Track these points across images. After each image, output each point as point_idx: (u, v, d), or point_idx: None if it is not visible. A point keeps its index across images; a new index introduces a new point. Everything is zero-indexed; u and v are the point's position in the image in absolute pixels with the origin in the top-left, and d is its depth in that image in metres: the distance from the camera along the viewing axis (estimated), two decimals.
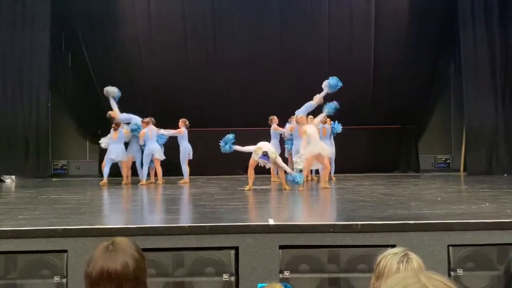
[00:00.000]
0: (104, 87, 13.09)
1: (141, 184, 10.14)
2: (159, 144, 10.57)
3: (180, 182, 10.46)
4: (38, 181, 11.26)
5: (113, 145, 10.20)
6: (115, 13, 12.91)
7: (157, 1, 12.95)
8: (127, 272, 1.79)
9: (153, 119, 10.56)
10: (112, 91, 11.03)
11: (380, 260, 1.85)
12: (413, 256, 1.84)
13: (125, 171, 10.34)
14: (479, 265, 4.53)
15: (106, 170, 10.23)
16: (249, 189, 8.60)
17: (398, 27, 12.96)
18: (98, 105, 13.03)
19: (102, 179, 10.15)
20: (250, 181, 8.72)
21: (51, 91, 12.68)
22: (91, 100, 13.10)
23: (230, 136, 8.95)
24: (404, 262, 1.80)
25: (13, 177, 11.77)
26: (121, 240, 1.90)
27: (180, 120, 10.62)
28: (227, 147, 8.87)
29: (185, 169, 10.60)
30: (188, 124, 10.65)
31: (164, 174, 10.63)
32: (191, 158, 10.71)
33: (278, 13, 12.94)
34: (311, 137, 8.66)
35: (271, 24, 12.90)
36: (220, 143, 8.98)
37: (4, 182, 11.54)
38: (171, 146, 10.97)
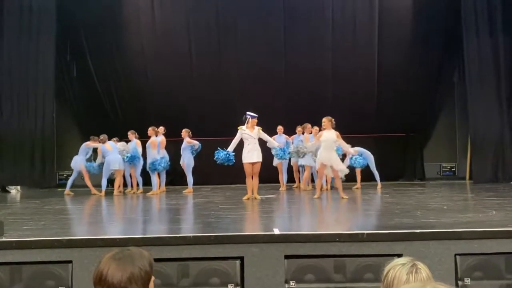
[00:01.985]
0: (109, 95, 13.19)
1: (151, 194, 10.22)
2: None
3: (184, 191, 10.46)
4: (43, 192, 11.29)
5: (111, 156, 10.28)
6: (120, 23, 13.01)
7: (161, 11, 13.04)
8: (115, 282, 1.77)
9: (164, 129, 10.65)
10: None
11: (389, 271, 1.82)
12: (421, 266, 1.81)
13: (119, 180, 10.44)
14: (487, 274, 4.48)
15: (104, 181, 10.36)
16: (248, 198, 8.54)
17: (402, 35, 12.97)
18: (103, 115, 13.10)
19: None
20: (249, 190, 8.66)
21: (56, 101, 12.75)
22: (96, 110, 13.16)
23: (224, 155, 8.83)
24: (414, 273, 1.77)
25: (18, 187, 11.81)
26: (133, 252, 1.87)
27: (184, 130, 10.66)
28: (231, 157, 8.84)
29: (190, 178, 10.62)
30: (191, 134, 10.71)
31: (168, 184, 10.67)
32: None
33: (282, 22, 13.00)
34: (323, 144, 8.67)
35: (275, 34, 12.95)
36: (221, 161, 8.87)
37: (10, 192, 11.57)
38: (176, 156, 11.02)
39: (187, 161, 10.59)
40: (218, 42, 13.07)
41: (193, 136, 10.81)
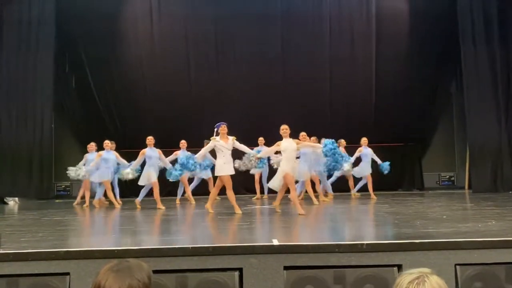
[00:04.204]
0: (107, 107, 13.22)
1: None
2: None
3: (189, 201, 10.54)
4: (41, 203, 11.25)
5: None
6: (118, 35, 13.07)
7: (160, 23, 13.12)
8: None
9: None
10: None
11: (397, 278, 1.81)
12: (431, 280, 1.75)
13: (83, 191, 10.59)
14: (487, 284, 4.44)
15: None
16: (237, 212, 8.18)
17: (400, 46, 13.07)
18: (102, 126, 13.11)
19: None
20: (234, 203, 8.24)
21: (54, 113, 12.76)
22: (94, 121, 13.18)
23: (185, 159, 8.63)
24: (415, 283, 1.74)
25: (16, 199, 11.77)
26: (131, 264, 1.85)
27: (182, 141, 10.77)
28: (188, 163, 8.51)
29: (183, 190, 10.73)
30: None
31: (166, 195, 10.67)
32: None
33: (280, 34, 13.08)
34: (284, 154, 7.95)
35: (273, 45, 13.03)
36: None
37: (7, 204, 11.53)
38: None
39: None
40: (216, 53, 13.14)
41: (191, 147, 10.82)
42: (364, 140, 11.05)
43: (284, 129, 7.98)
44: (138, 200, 9.83)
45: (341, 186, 11.41)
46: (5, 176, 11.90)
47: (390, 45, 13.00)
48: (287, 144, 7.94)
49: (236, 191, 11.33)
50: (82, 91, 13.24)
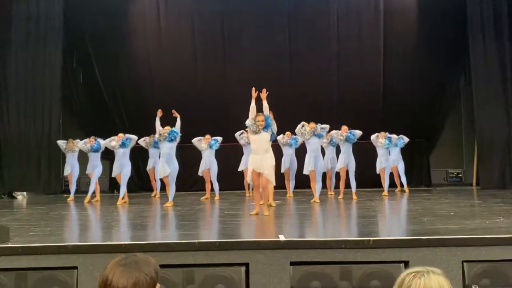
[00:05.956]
0: (115, 103, 13.26)
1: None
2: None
3: (202, 198, 10.44)
4: (49, 198, 11.33)
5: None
6: (126, 31, 13.10)
7: (167, 18, 13.13)
8: (120, 287, 1.76)
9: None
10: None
11: (401, 275, 1.80)
12: (433, 276, 1.73)
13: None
14: (495, 282, 4.43)
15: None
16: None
17: (408, 41, 12.98)
18: (109, 121, 13.16)
19: (116, 196, 10.29)
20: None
21: (62, 108, 12.83)
22: (102, 116, 13.23)
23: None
24: (416, 278, 1.73)
25: (25, 193, 11.87)
26: (139, 258, 1.86)
27: (207, 136, 10.73)
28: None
29: (217, 185, 10.56)
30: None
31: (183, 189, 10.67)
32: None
33: (287, 29, 13.04)
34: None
35: (280, 40, 12.99)
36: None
37: (16, 198, 11.63)
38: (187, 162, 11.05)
39: (215, 167, 10.49)
40: (223, 49, 13.13)
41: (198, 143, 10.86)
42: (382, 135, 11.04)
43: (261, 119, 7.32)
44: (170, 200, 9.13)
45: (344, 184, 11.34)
46: (13, 170, 12.00)
47: (398, 41, 12.92)
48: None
49: (231, 187, 11.41)
50: (90, 86, 13.29)
